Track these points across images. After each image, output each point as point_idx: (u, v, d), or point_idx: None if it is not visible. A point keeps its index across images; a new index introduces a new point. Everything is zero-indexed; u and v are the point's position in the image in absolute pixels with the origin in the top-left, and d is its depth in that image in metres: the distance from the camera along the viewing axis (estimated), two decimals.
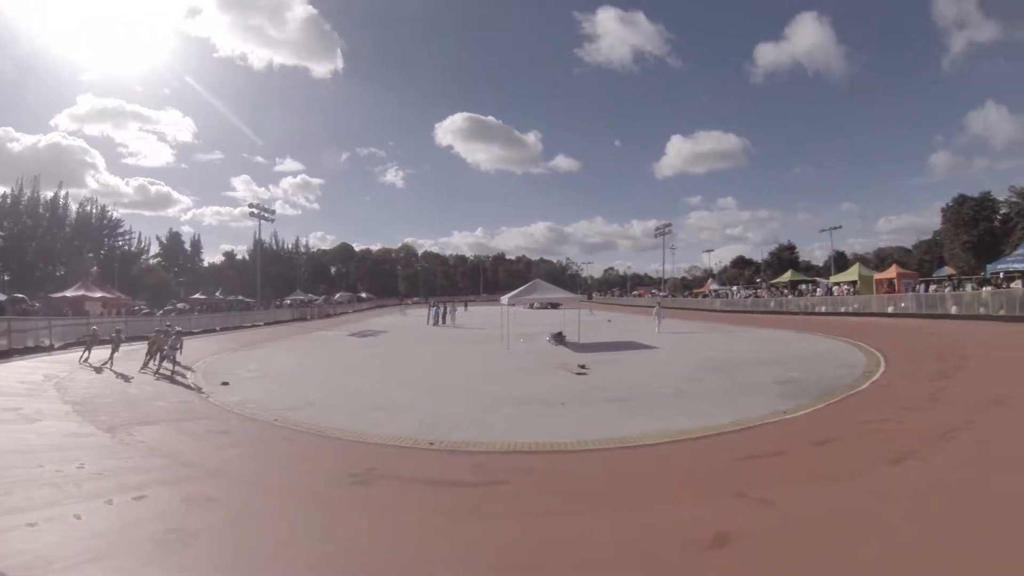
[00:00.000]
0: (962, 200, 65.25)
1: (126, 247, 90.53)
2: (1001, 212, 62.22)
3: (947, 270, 52.23)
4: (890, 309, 34.34)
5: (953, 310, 29.50)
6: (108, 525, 5.92)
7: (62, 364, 19.33)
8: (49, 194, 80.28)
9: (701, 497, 7.11)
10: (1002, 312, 26.07)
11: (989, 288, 31.35)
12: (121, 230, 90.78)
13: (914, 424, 9.75)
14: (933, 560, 4.74)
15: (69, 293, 48.14)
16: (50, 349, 23.22)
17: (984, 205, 63.25)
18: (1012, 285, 31.21)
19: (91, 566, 4.94)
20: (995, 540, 5.03)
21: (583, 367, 18.75)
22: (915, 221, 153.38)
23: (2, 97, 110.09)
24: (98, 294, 49.16)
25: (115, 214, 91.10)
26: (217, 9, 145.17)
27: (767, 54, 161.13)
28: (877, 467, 7.58)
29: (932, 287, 38.51)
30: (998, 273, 36.06)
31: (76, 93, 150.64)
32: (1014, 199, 59.52)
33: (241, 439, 10.83)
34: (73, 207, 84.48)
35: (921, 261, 73.99)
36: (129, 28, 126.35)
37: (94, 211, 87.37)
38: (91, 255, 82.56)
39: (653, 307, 38.86)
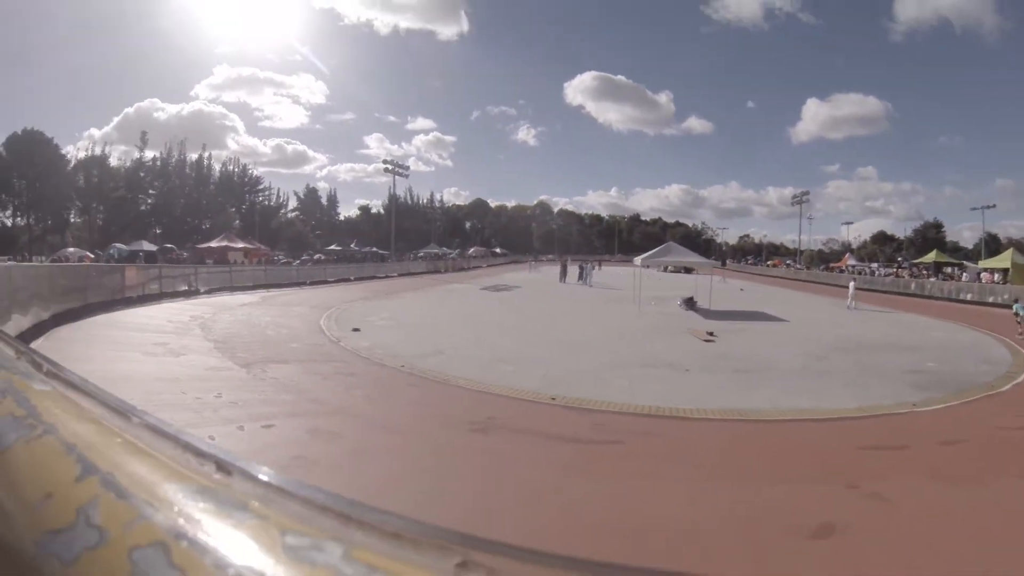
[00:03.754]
0: None
1: (266, 202, 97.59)
2: None
3: None
4: None
5: None
6: (238, 447, 6.51)
7: (208, 307, 21.04)
8: (194, 156, 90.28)
9: (813, 482, 6.97)
10: None
11: None
12: (261, 186, 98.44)
13: None
14: None
15: (214, 244, 52.38)
16: (196, 293, 25.30)
17: None
18: None
19: None
20: None
21: (711, 334, 18.38)
22: None
23: (148, 71, 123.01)
24: (240, 245, 52.93)
25: (255, 172, 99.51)
26: None
27: (908, 8, 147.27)
28: (1006, 477, 7.14)
29: None
30: None
31: (212, 64, 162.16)
32: None
33: (367, 381, 11.45)
34: (216, 167, 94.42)
35: None
36: (259, 2, 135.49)
37: (236, 170, 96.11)
38: (233, 209, 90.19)
39: (847, 284, 36.62)
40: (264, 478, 0.61)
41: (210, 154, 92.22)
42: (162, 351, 12.07)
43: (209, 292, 26.20)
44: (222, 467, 0.61)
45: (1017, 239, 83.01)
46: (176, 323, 16.32)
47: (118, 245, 50.25)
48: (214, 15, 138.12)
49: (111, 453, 0.60)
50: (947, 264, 53.92)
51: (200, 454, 0.65)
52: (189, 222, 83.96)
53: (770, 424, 9.47)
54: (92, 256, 41.01)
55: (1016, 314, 22.70)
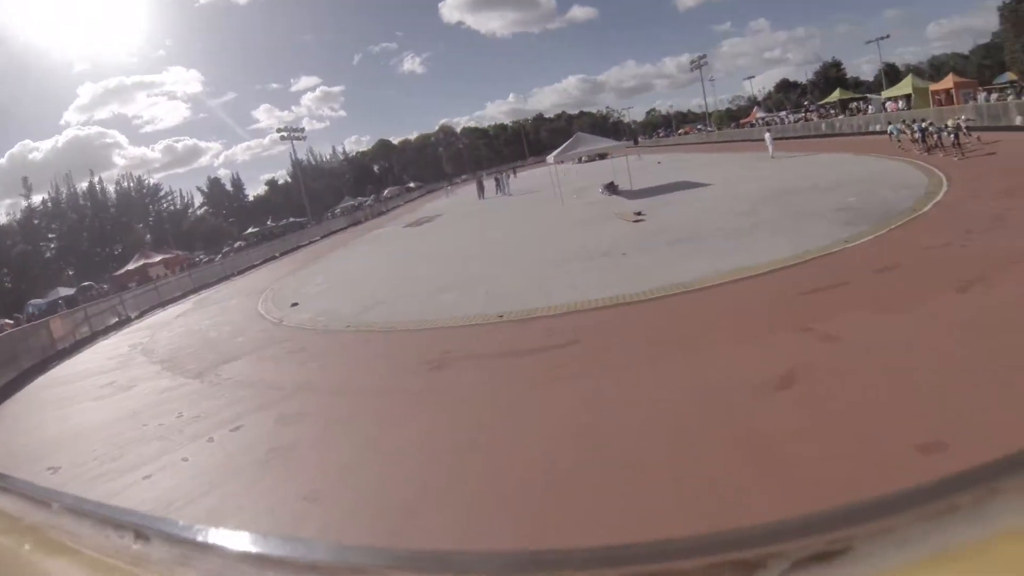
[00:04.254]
0: None
1: (171, 207, 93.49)
2: None
3: (1009, 76, 47.13)
4: (949, 123, 32.24)
5: (1018, 120, 26.98)
6: (214, 460, 6.56)
7: (144, 330, 20.53)
8: (84, 185, 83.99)
9: (768, 335, 7.22)
10: None
11: None
12: (162, 193, 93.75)
13: (980, 248, 9.36)
14: (996, 390, 4.72)
15: (131, 266, 50.47)
16: (128, 321, 24.58)
17: None
18: None
19: (206, 498, 5.54)
20: None
21: (639, 214, 18.62)
22: (970, 23, 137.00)
23: (7, 116, 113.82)
24: (157, 258, 51.21)
25: (151, 180, 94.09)
26: None
27: None
28: (942, 295, 7.46)
29: (994, 96, 35.64)
30: None
31: (74, 86, 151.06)
32: None
33: (319, 352, 11.44)
34: (111, 188, 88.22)
35: (980, 67, 65.39)
36: (103, 9, 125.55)
37: (131, 185, 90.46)
38: (140, 225, 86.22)
39: (762, 137, 37.20)
40: (182, 535, 0.64)
41: (100, 178, 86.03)
42: (111, 390, 11.81)
43: (141, 315, 25.47)
44: (140, 534, 0.64)
45: (915, 64, 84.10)
46: (117, 357, 15.92)
47: (34, 301, 47.88)
48: (61, 36, 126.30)
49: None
50: (852, 100, 54.34)
51: (118, 525, 0.68)
52: (100, 252, 79.83)
53: (714, 289, 9.74)
54: (11, 322, 39.30)
55: (890, 135, 26.50)
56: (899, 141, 25.73)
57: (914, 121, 26.79)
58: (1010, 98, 31.65)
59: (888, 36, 71.85)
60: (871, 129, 39.09)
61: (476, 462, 5.33)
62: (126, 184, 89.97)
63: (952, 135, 22.37)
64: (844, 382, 5.54)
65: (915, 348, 6.05)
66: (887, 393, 5.11)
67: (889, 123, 31.76)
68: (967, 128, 23.16)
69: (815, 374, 5.77)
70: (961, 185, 14.54)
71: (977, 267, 8.12)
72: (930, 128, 24.07)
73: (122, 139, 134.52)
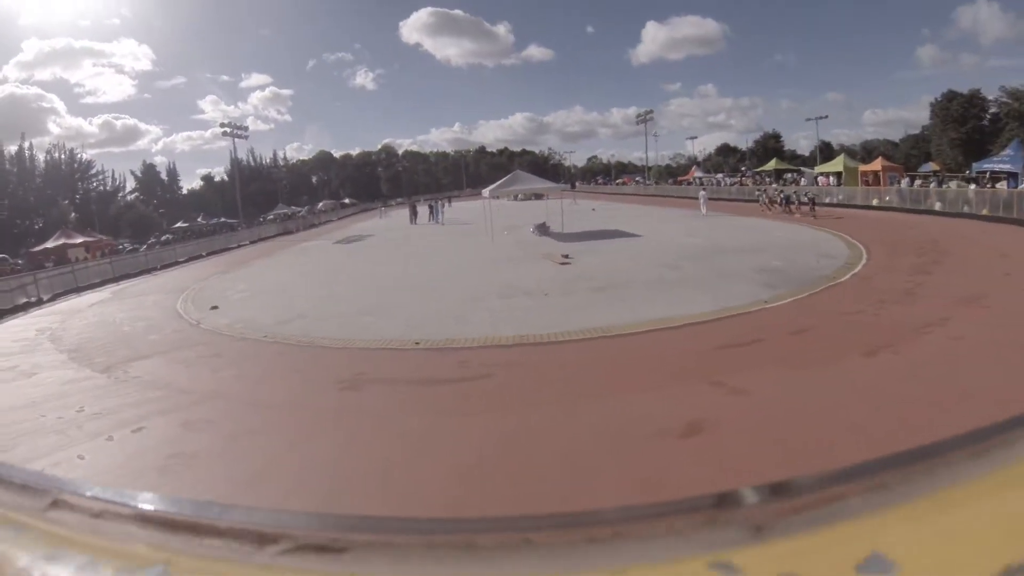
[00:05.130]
0: (951, 96, 62.68)
1: (101, 187, 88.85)
2: (990, 112, 60.30)
3: (932, 166, 51.55)
4: (874, 202, 34.19)
5: (937, 206, 29.12)
6: (111, 460, 6.36)
7: (54, 315, 19.61)
8: (13, 148, 77.56)
9: (678, 385, 7.46)
10: (985, 212, 25.88)
11: (974, 187, 31.28)
12: (93, 171, 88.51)
13: (890, 317, 10.05)
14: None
15: (50, 244, 47.88)
16: (39, 303, 23.43)
17: (973, 103, 60.89)
18: (997, 185, 31.21)
19: None
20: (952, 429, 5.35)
21: (567, 256, 18.96)
22: (902, 115, 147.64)
23: None
24: (79, 240, 48.86)
25: (84, 156, 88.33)
26: None
27: None
28: (850, 357, 7.94)
29: (917, 182, 38.19)
30: (984, 172, 35.68)
31: (19, 39, 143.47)
32: (1004, 99, 57.70)
33: (234, 360, 11.20)
34: (40, 156, 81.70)
35: (908, 155, 70.20)
36: None
37: (62, 157, 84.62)
38: (66, 202, 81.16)
39: (697, 195, 39.70)
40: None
41: (31, 143, 79.51)
42: (11, 376, 11.21)
43: (54, 298, 24.25)
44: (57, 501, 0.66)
45: (848, 145, 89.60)
46: (22, 341, 15.14)
47: None
48: None
49: None
50: (786, 170, 57.10)
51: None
52: (19, 224, 74.39)
53: (632, 336, 9.99)
54: None
55: (758, 200, 34.19)
56: (766, 204, 34.77)
57: (781, 191, 36.00)
58: (932, 186, 33.97)
59: (827, 116, 76.17)
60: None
61: (377, 485, 5.34)
62: (57, 155, 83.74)
63: (809, 204, 31.44)
64: (746, 433, 5.78)
65: (815, 400, 6.47)
66: (784, 444, 5.40)
67: (757, 192, 40.46)
68: (813, 201, 31.99)
69: (719, 424, 6.00)
70: (878, 259, 15.44)
71: (885, 335, 8.81)
72: (792, 196, 33.38)
73: (60, 106, 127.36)
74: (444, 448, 6.01)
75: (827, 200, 38.42)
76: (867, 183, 41.49)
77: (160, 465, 6.01)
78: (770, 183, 51.71)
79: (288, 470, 5.76)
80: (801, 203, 32.10)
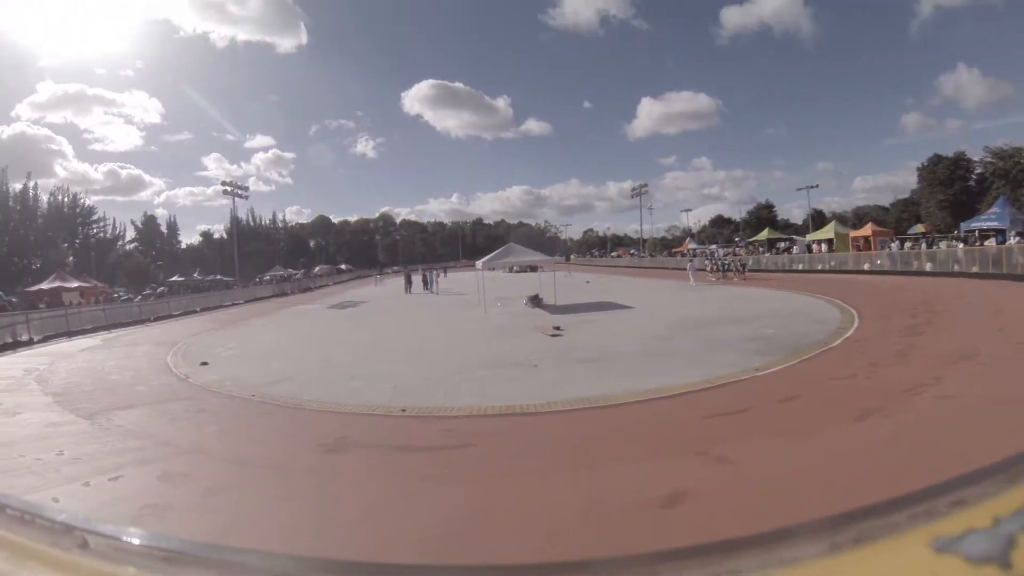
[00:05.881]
0: (937, 160, 65.88)
1: (101, 234, 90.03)
2: (976, 172, 63.11)
3: (918, 228, 53.71)
4: (866, 266, 35.22)
5: (928, 267, 30.08)
6: (85, 505, 6.31)
7: (44, 357, 19.60)
8: (18, 186, 79.29)
9: (663, 456, 7.42)
10: (975, 269, 26.72)
11: (963, 246, 32.12)
12: (95, 217, 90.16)
13: (882, 380, 10.08)
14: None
15: (45, 285, 48.08)
16: (30, 343, 23.43)
17: (959, 165, 63.99)
18: (986, 243, 31.94)
19: None
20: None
21: (558, 328, 19.09)
22: (891, 180, 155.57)
23: None
24: (75, 284, 49.05)
25: (87, 201, 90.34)
26: None
27: (733, 16, 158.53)
28: (840, 424, 7.91)
29: (907, 244, 39.35)
30: (972, 231, 36.73)
31: (35, 80, 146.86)
32: (989, 159, 60.28)
33: (218, 417, 11.16)
34: (44, 197, 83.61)
35: (899, 219, 73.62)
36: (85, 11, 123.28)
37: (65, 200, 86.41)
38: (65, 245, 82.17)
39: (721, 268, 42.84)
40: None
41: (36, 183, 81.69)
42: None
43: (44, 340, 24.28)
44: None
45: (839, 212, 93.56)
46: (8, 379, 15.11)
47: None
48: (35, 22, 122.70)
49: None
50: (779, 239, 58.62)
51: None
52: (16, 262, 74.70)
53: (619, 408, 9.90)
54: None
55: (688, 269, 40.10)
56: (703, 270, 41.77)
57: (718, 259, 47.45)
58: (922, 247, 34.52)
59: (817, 185, 78.76)
60: (795, 267, 43.42)
61: (343, 546, 5.33)
62: (60, 198, 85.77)
63: (741, 269, 40.34)
64: (726, 500, 5.76)
65: (800, 469, 6.40)
66: (766, 512, 5.32)
67: (689, 261, 48.67)
68: (745, 267, 41.25)
69: (700, 495, 5.96)
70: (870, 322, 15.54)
71: (876, 398, 8.86)
72: (727, 263, 42.92)
73: (68, 149, 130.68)
74: (417, 515, 5.99)
75: (818, 266, 40.08)
76: (858, 248, 42.72)
77: (133, 515, 5.97)
78: (763, 252, 53.43)
79: (259, 526, 5.74)
80: (738, 270, 40.53)
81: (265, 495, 6.75)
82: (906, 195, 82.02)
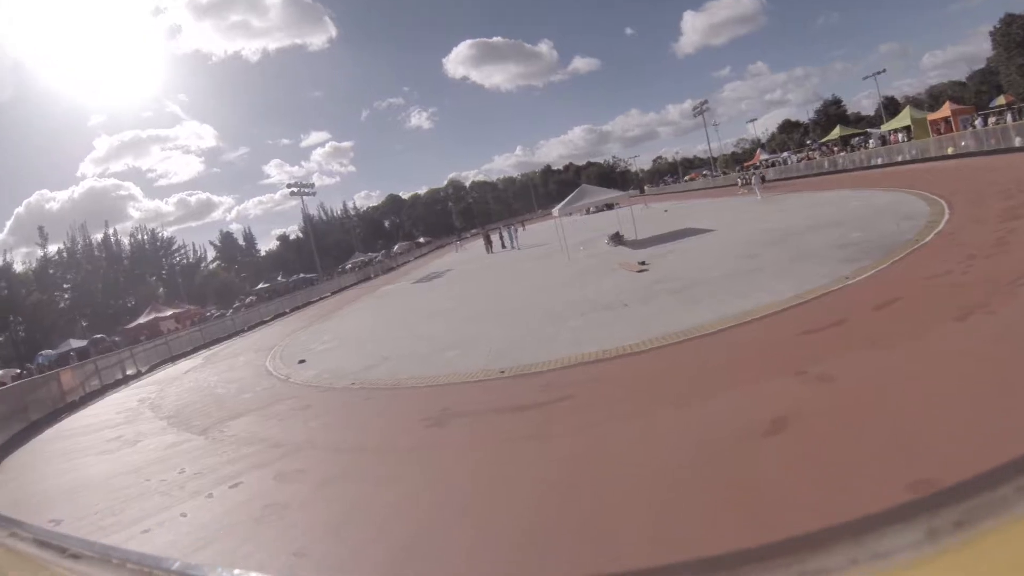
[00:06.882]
0: (1010, 20, 59.27)
1: (184, 261, 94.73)
2: None
3: (1000, 100, 48.85)
4: (949, 150, 32.42)
5: (1017, 142, 27.44)
6: (211, 516, 6.65)
7: (153, 385, 20.70)
8: (99, 236, 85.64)
9: (761, 381, 7.22)
10: None
11: None
12: (175, 247, 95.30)
13: (982, 273, 9.40)
14: (994, 427, 4.52)
15: (142, 319, 51.03)
16: (138, 375, 24.79)
17: None
18: None
19: (200, 554, 5.62)
20: None
21: (643, 263, 18.78)
22: (963, 51, 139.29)
23: (25, 165, 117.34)
24: (168, 312, 51.75)
25: (165, 234, 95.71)
26: (194, 20, 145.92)
27: None
28: (940, 326, 7.44)
29: (991, 120, 36.33)
30: None
31: (91, 139, 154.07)
32: None
33: (322, 410, 11.57)
34: (125, 240, 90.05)
35: (978, 93, 66.54)
36: (119, 66, 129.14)
37: (145, 238, 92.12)
38: (153, 278, 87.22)
39: (748, 181, 42.76)
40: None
41: (115, 229, 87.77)
42: (117, 445, 11.95)
43: (151, 369, 25.75)
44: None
45: (912, 96, 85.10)
46: (125, 411, 16.06)
47: (45, 352, 48.05)
48: (78, 89, 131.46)
49: None
50: (852, 135, 55.56)
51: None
52: (112, 304, 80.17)
53: (714, 336, 9.75)
54: (18, 371, 39.33)
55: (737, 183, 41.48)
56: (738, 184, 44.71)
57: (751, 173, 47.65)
58: (1008, 119, 32.15)
59: (884, 71, 72.41)
60: (873, 163, 40.43)
61: (457, 520, 5.39)
62: (140, 237, 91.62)
63: (761, 180, 40.59)
64: (833, 424, 5.55)
65: (906, 381, 6.08)
66: (874, 431, 5.12)
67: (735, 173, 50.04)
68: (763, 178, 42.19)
69: (803, 418, 5.78)
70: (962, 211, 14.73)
71: (977, 294, 8.18)
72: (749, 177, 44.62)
73: (137, 191, 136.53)
74: (521, 477, 5.99)
75: (898, 158, 37.72)
76: (939, 132, 39.89)
77: (256, 516, 6.24)
78: (837, 151, 50.91)
79: (374, 513, 5.87)
80: (757, 182, 39.98)
81: (376, 480, 6.92)
82: (982, 65, 74.27)
